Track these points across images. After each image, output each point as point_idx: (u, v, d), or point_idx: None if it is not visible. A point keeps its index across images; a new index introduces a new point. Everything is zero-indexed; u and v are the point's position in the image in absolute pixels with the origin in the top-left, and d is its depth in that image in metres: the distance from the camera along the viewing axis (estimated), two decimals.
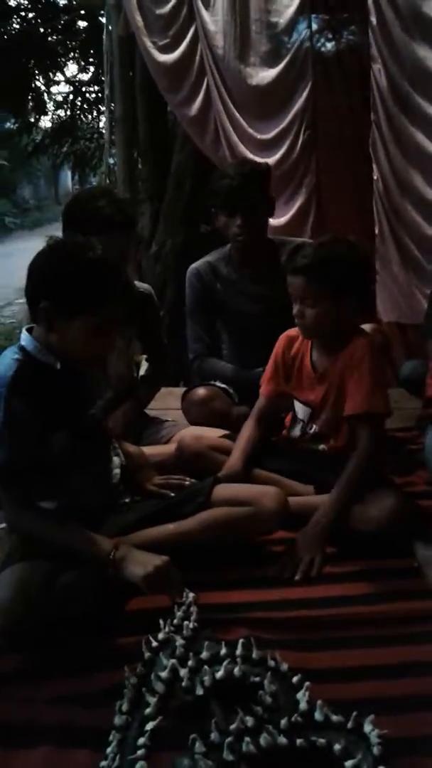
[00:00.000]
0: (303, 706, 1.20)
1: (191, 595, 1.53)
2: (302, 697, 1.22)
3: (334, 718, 1.18)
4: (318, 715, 1.18)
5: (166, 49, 3.65)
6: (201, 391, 2.51)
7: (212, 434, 2.24)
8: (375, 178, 3.55)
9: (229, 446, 2.10)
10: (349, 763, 1.09)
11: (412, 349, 3.62)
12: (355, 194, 3.69)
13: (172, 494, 1.92)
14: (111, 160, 4.75)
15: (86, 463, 1.71)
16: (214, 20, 3.47)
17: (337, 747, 1.12)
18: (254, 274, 2.59)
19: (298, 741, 1.13)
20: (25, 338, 1.63)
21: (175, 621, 1.44)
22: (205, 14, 3.49)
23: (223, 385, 2.55)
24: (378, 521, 1.82)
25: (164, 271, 4.81)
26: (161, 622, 1.43)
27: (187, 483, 1.98)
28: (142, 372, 2.56)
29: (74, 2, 5.64)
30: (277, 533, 1.86)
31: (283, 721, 1.16)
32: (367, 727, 1.15)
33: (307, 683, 1.25)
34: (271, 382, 2.13)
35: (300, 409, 2.10)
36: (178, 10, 3.59)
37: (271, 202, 2.58)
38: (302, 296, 1.91)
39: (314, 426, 2.07)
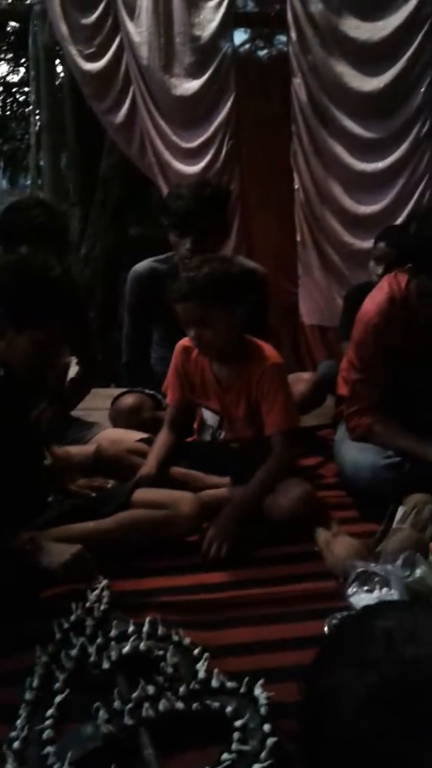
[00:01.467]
0: (201, 675, 1.32)
1: (104, 581, 1.63)
2: (201, 667, 1.34)
3: (229, 684, 1.29)
4: (214, 682, 1.30)
5: (91, 58, 3.73)
6: (129, 400, 2.53)
7: (131, 437, 2.32)
8: (296, 187, 3.73)
9: (146, 450, 2.18)
10: (238, 722, 1.21)
11: (331, 350, 3.80)
12: (277, 202, 3.84)
13: (94, 494, 2.02)
14: (41, 161, 4.77)
15: (17, 466, 1.78)
16: (139, 32, 3.57)
17: (228, 709, 1.23)
18: None
19: (194, 705, 1.24)
20: None
21: (87, 604, 1.53)
22: (130, 25, 3.59)
23: (150, 391, 2.58)
24: (286, 510, 1.97)
25: (93, 275, 4.87)
26: (73, 605, 1.52)
27: (109, 486, 2.08)
28: (71, 374, 2.61)
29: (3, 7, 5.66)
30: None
31: (182, 689, 1.27)
32: (257, 691, 1.27)
33: (206, 655, 1.36)
34: (176, 391, 2.21)
35: (209, 417, 2.20)
36: (103, 20, 3.67)
37: (226, 227, 2.57)
38: (197, 320, 1.98)
39: (223, 432, 2.19)
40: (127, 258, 4.98)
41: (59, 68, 4.68)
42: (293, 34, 3.57)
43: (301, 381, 2.56)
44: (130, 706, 1.22)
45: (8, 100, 7.60)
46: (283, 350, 3.74)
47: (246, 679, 1.29)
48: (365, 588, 1.59)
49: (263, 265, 2.74)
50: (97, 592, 1.58)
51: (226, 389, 2.13)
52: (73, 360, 2.63)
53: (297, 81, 3.61)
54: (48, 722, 1.23)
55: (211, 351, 2.07)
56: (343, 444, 2.29)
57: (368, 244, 3.51)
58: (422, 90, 3.46)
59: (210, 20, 3.56)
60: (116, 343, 4.32)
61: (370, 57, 3.47)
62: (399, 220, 3.51)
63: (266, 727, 1.19)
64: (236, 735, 1.18)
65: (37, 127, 4.37)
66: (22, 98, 7.49)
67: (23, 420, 1.85)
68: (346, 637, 0.72)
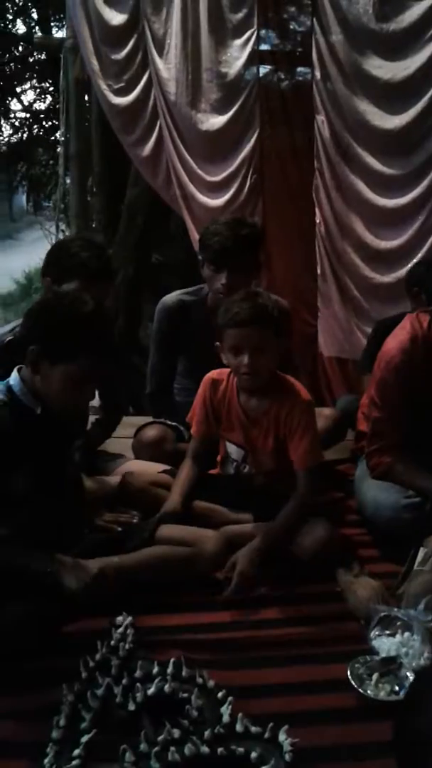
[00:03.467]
0: (226, 718, 1.34)
1: (129, 618, 1.65)
2: (225, 710, 1.36)
3: (253, 729, 1.31)
4: (239, 727, 1.32)
5: (120, 93, 3.80)
6: (151, 433, 2.55)
7: (154, 469, 2.35)
8: (317, 221, 3.77)
9: (170, 481, 2.20)
10: None
11: (350, 382, 3.82)
12: (298, 236, 3.88)
13: (119, 529, 2.04)
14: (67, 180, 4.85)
15: (56, 500, 1.83)
16: (168, 68, 3.65)
17: (253, 755, 1.25)
18: None
19: (219, 750, 1.26)
20: (14, 378, 1.77)
21: (112, 643, 1.56)
22: (159, 61, 3.67)
23: (173, 423, 2.61)
24: (310, 550, 1.99)
25: (116, 301, 4.93)
26: (99, 643, 1.54)
27: (135, 520, 2.10)
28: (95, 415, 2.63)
29: (34, 40, 5.83)
30: None
31: (207, 733, 1.29)
32: (281, 737, 1.28)
33: (230, 698, 1.38)
34: (202, 424, 2.23)
35: (233, 450, 2.22)
36: (133, 56, 3.75)
37: (259, 265, 2.64)
38: (256, 346, 2.00)
39: (247, 466, 2.21)
40: (150, 286, 5.05)
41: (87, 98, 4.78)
42: (317, 73, 3.63)
43: (322, 417, 2.58)
44: (156, 749, 1.24)
45: (35, 127, 7.75)
46: (302, 381, 3.78)
47: (270, 725, 1.30)
48: (387, 632, 1.61)
49: (283, 296, 2.78)
50: (121, 629, 1.60)
51: (253, 422, 2.15)
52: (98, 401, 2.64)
53: (320, 118, 3.66)
54: (75, 762, 1.25)
55: (258, 379, 2.07)
56: (364, 482, 2.30)
57: (388, 278, 3.56)
58: None
59: (236, 58, 3.63)
60: (136, 368, 4.37)
61: (392, 96, 3.52)
62: (418, 256, 3.55)
63: None
64: None
65: (64, 156, 4.47)
66: (48, 124, 7.64)
67: (63, 454, 1.88)
68: None
